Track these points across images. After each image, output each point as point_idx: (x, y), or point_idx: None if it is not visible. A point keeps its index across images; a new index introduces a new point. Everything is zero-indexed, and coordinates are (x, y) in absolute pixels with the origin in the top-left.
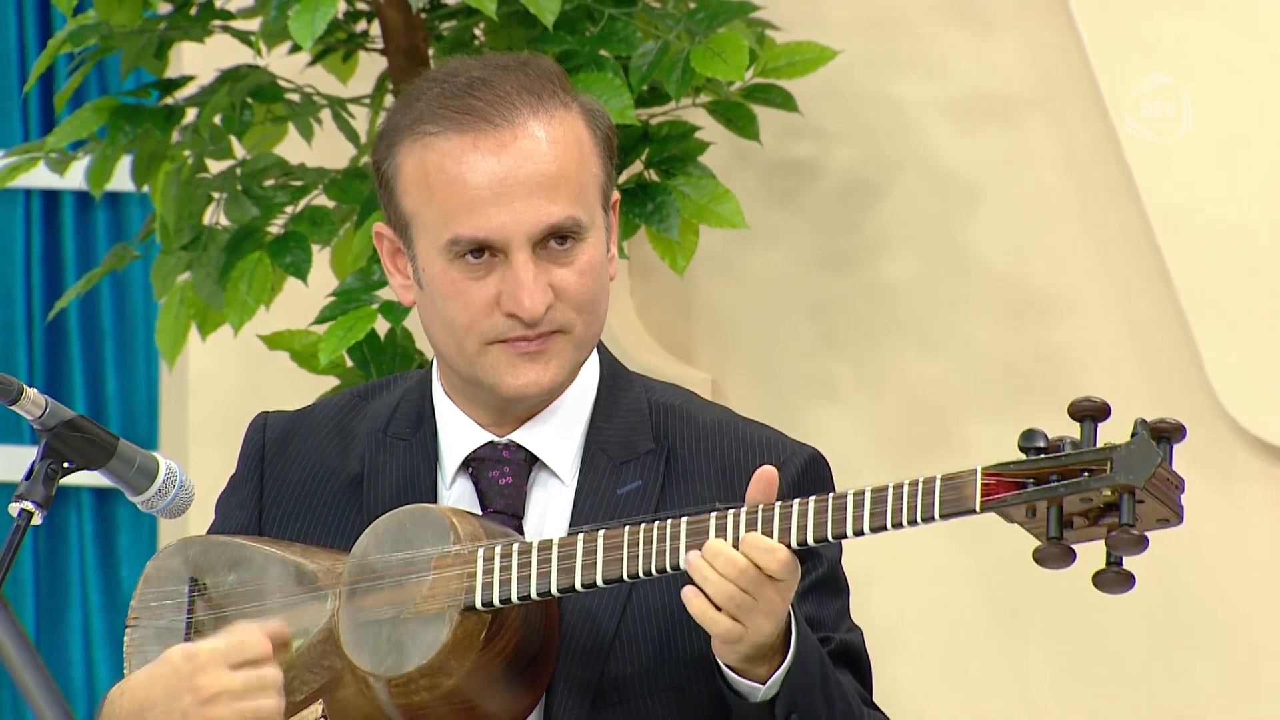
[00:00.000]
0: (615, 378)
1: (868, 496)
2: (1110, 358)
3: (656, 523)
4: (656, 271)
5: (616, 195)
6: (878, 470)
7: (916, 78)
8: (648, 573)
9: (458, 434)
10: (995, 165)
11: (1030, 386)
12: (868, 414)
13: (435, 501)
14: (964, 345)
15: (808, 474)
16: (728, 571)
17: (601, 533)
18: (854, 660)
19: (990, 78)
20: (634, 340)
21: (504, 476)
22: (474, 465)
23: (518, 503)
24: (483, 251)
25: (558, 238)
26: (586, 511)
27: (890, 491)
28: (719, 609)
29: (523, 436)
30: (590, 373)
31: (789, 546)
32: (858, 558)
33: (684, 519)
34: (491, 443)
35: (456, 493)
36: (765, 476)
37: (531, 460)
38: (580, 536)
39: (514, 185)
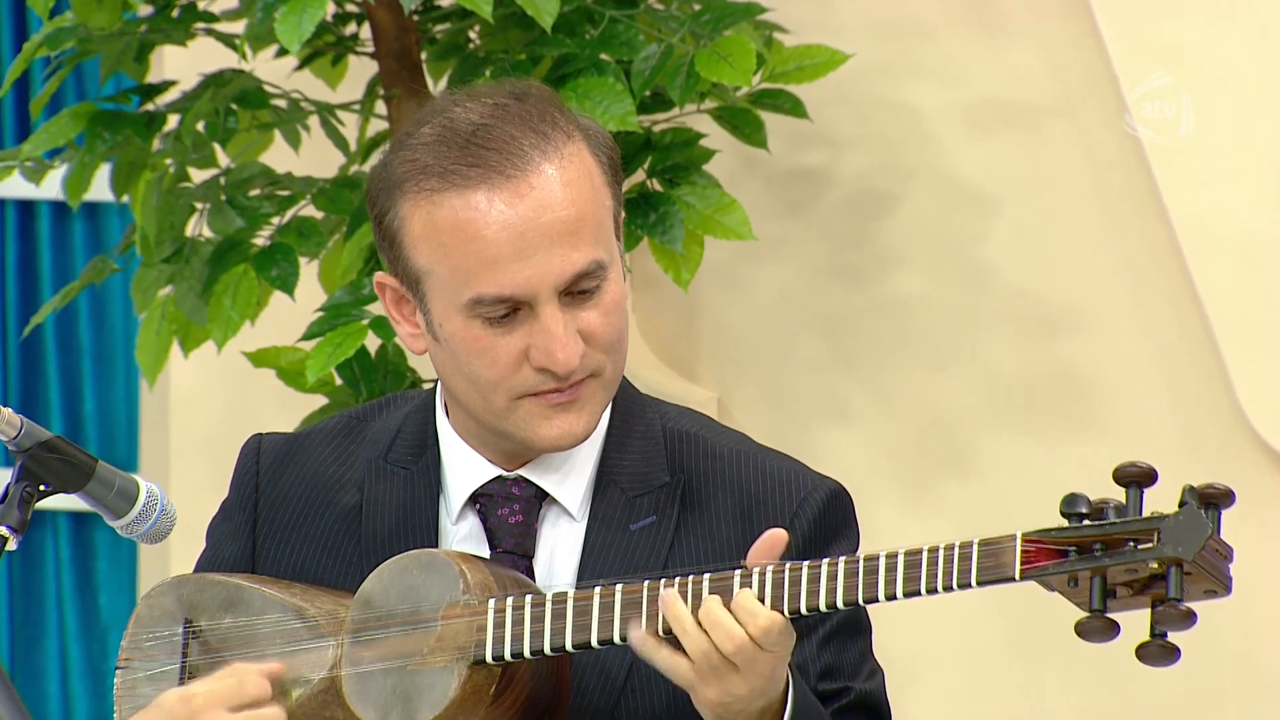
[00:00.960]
0: (629, 404)
1: (900, 560)
2: (1134, 376)
3: (678, 578)
4: (659, 285)
5: (621, 214)
6: (890, 493)
7: (931, 83)
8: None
9: (464, 468)
10: (1013, 175)
11: (1051, 406)
12: (880, 434)
13: (437, 535)
14: (981, 362)
15: (831, 511)
16: (724, 643)
17: (619, 587)
18: (873, 712)
19: (1008, 83)
20: (636, 357)
21: (514, 514)
22: (481, 501)
23: (528, 541)
24: (507, 307)
25: (582, 284)
26: (598, 549)
27: (925, 556)
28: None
29: (532, 471)
30: None
31: (817, 609)
32: None
33: (707, 575)
34: (500, 478)
35: (464, 530)
36: (771, 541)
37: (541, 496)
38: (597, 590)
39: (535, 237)
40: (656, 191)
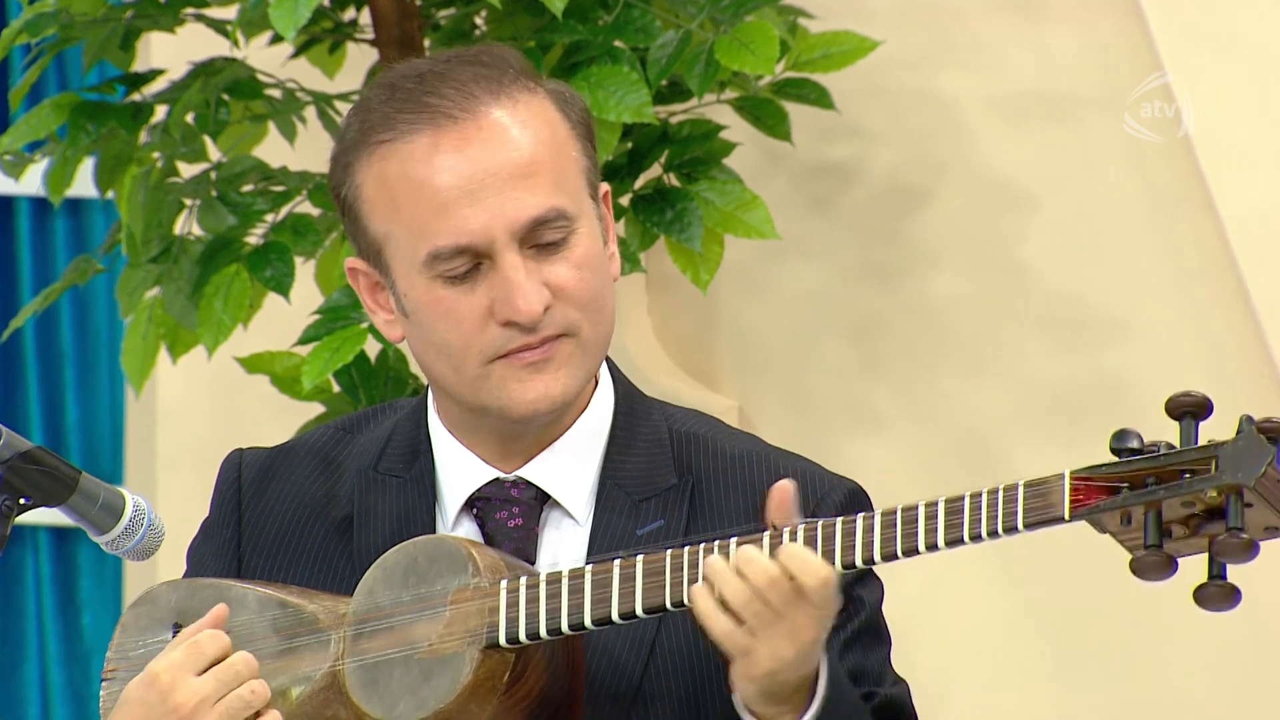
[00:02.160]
0: (632, 405)
1: (941, 507)
2: (1181, 382)
3: (703, 544)
4: (677, 286)
5: (606, 186)
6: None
7: (966, 72)
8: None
9: (459, 471)
10: (1053, 170)
11: (1092, 414)
12: (911, 444)
13: None
14: (1018, 368)
15: (849, 510)
16: (756, 578)
17: (640, 557)
18: (899, 718)
19: (1048, 73)
20: (651, 362)
21: (513, 518)
22: (479, 506)
23: (529, 546)
24: (466, 260)
25: (545, 234)
26: (603, 553)
27: (967, 501)
28: (730, 615)
29: (532, 472)
30: (604, 399)
31: (853, 564)
32: (898, 602)
33: (734, 538)
34: (497, 480)
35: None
36: (781, 492)
37: (542, 499)
38: (616, 562)
39: (486, 179)
40: (674, 187)
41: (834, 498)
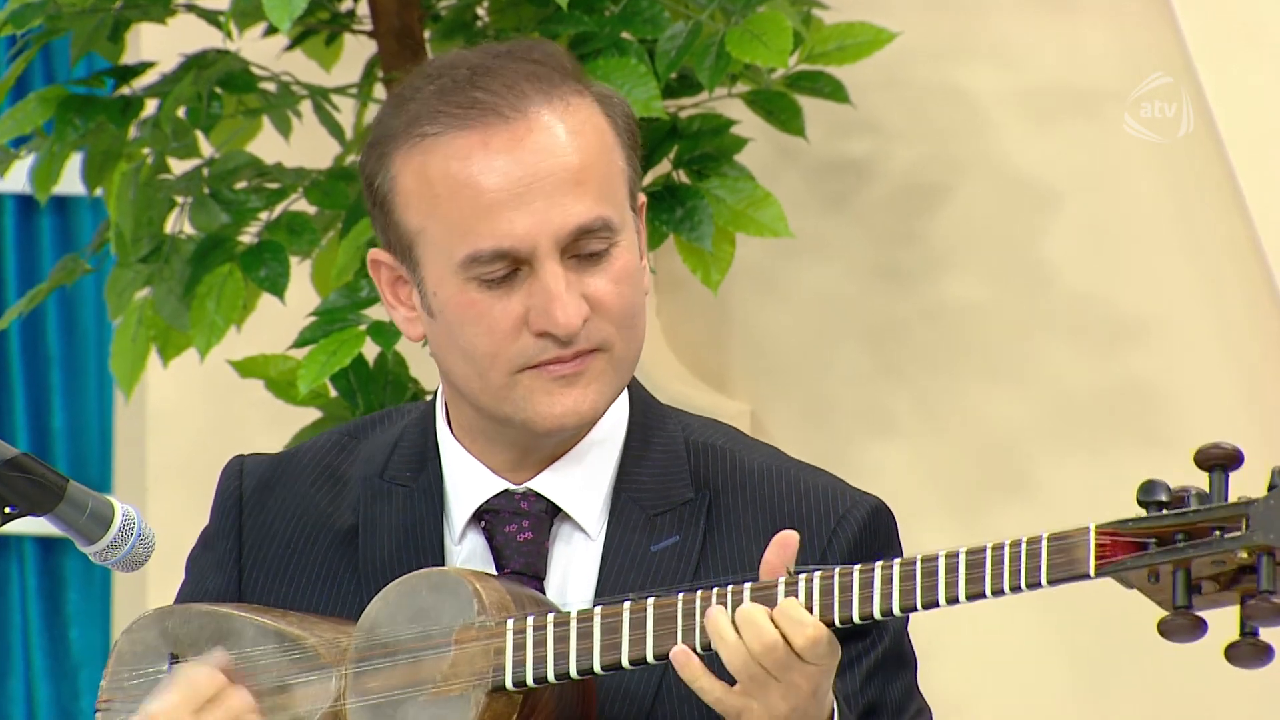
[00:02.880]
0: (647, 414)
1: (962, 560)
2: (1211, 390)
3: (716, 588)
4: (686, 287)
5: (643, 197)
6: (940, 518)
7: (988, 65)
8: (706, 647)
9: (467, 481)
10: (1079, 167)
11: (1119, 423)
12: (930, 453)
13: (442, 558)
14: (1042, 374)
15: (872, 529)
16: (753, 642)
17: (651, 600)
18: None
19: (1074, 66)
20: (660, 367)
21: (522, 531)
22: (487, 518)
23: (539, 561)
24: (505, 265)
25: (588, 245)
26: (616, 570)
27: (989, 554)
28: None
29: (543, 484)
30: (619, 408)
31: (870, 617)
32: (921, 622)
33: (748, 584)
34: (507, 492)
35: (467, 550)
36: (782, 544)
37: (553, 512)
38: (626, 605)
39: (534, 184)
40: (683, 184)
41: (856, 515)
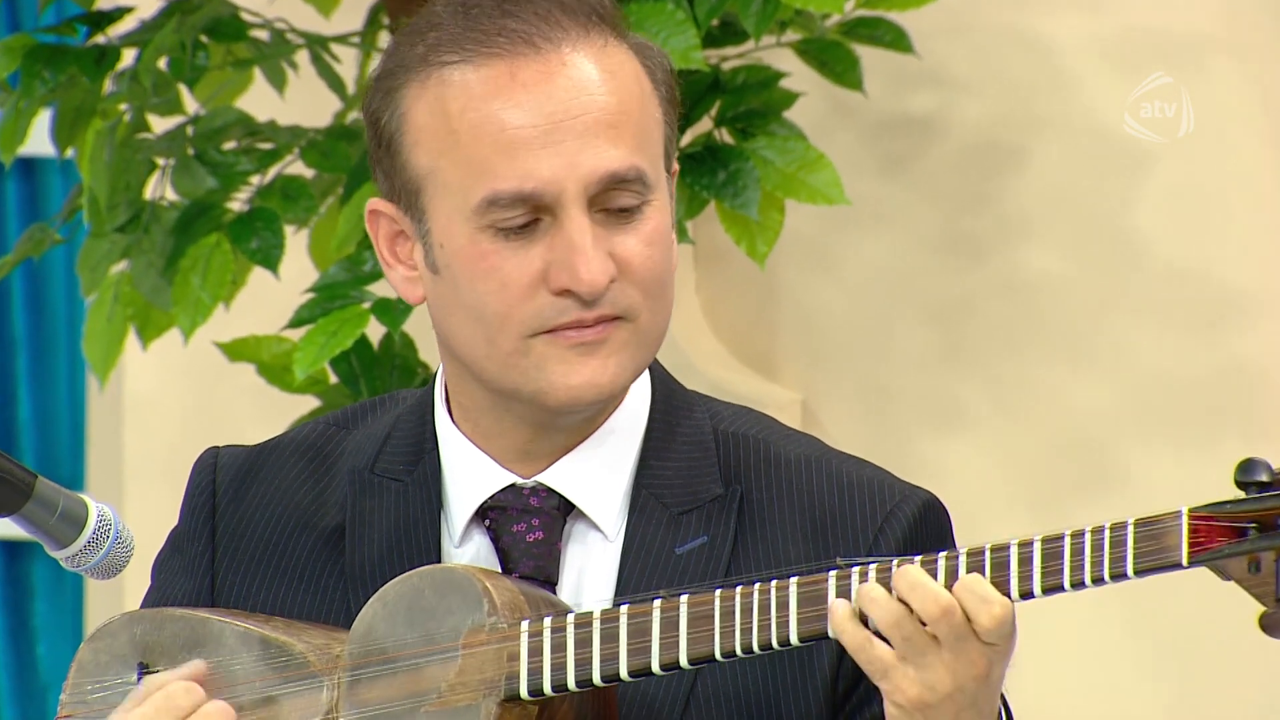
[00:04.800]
0: (672, 400)
1: (1037, 549)
2: None
3: (759, 584)
4: (729, 260)
5: (676, 164)
6: (1015, 519)
7: (1068, 9)
8: (748, 649)
9: (469, 475)
10: (1171, 125)
11: (1217, 410)
12: (1002, 445)
13: (439, 561)
14: (1131, 357)
15: (922, 526)
16: (926, 608)
17: (684, 598)
18: None
19: (1166, 12)
20: (700, 349)
21: (531, 531)
22: (492, 516)
23: (550, 565)
24: (525, 212)
25: (619, 198)
26: (637, 575)
27: (1067, 542)
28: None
29: (555, 477)
30: (639, 394)
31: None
32: None
33: (794, 579)
34: (514, 486)
35: (470, 553)
36: None
37: (566, 509)
38: (657, 604)
39: (565, 122)
40: (726, 144)
41: (906, 511)
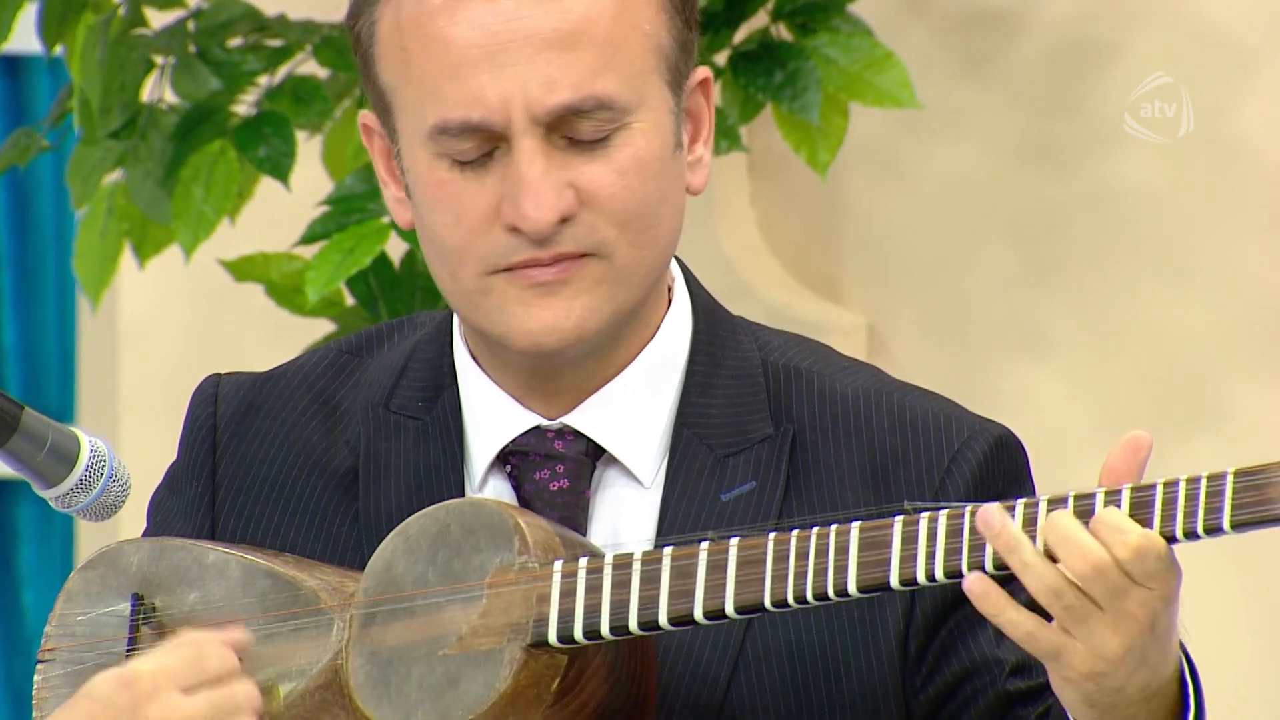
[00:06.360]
0: (715, 330)
1: (1125, 498)
2: None
3: (816, 528)
4: (789, 171)
5: (705, 71)
6: (1102, 456)
7: None
8: (801, 598)
9: (489, 414)
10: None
11: None
12: (1092, 374)
13: None
14: (1234, 277)
15: (994, 465)
16: (1077, 564)
17: (734, 540)
18: None
19: None
20: (755, 268)
21: (556, 479)
22: (513, 461)
23: (577, 516)
24: (478, 143)
25: (580, 127)
26: (679, 526)
27: (1159, 493)
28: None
29: (582, 419)
30: (678, 323)
31: (1003, 565)
32: None
33: (855, 523)
34: (538, 429)
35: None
36: (1133, 446)
37: (595, 454)
38: (704, 546)
39: (511, 42)
40: (784, 41)
41: (976, 448)
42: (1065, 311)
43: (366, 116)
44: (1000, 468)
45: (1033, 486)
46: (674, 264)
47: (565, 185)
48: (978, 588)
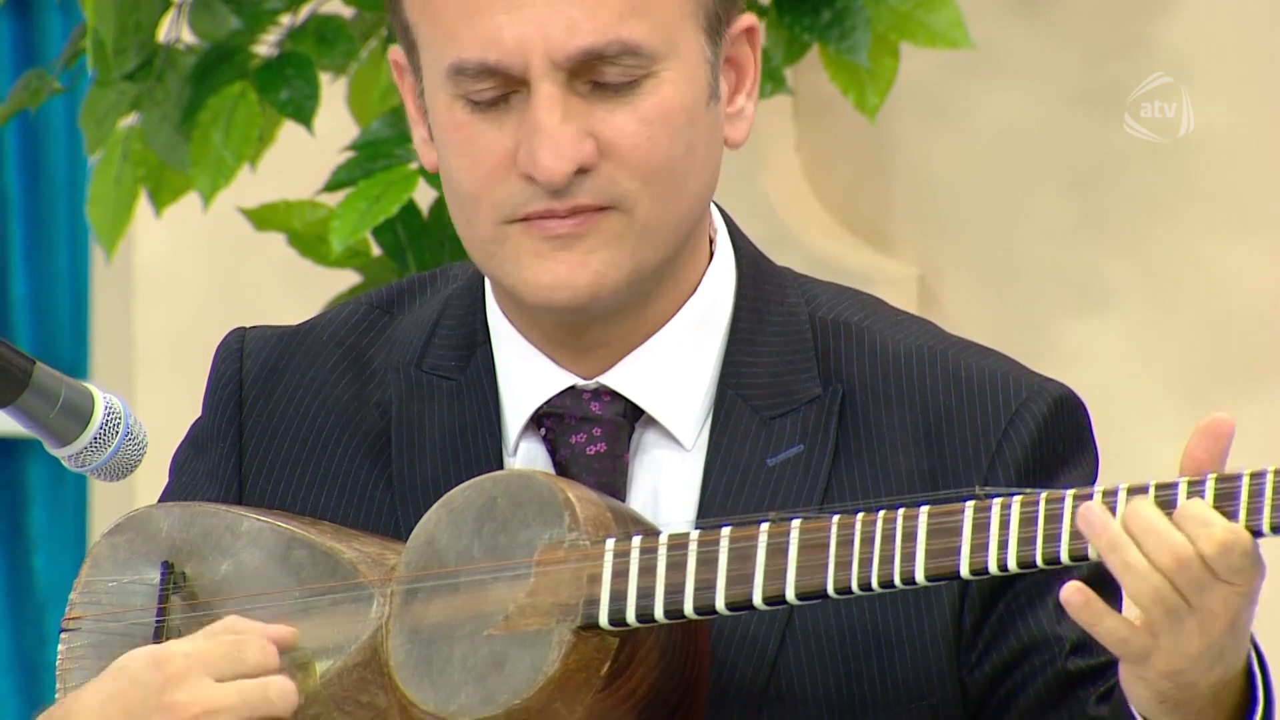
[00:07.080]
0: (760, 284)
1: (1209, 489)
2: None
3: (883, 511)
4: (836, 114)
5: (751, 19)
6: (1167, 415)
7: None
8: (865, 585)
9: (523, 374)
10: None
11: None
12: (1153, 329)
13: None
14: None
15: (1054, 427)
16: (1159, 557)
17: (796, 522)
18: None
19: None
20: (801, 216)
21: (593, 442)
22: (548, 424)
23: (616, 481)
24: (496, 85)
25: (604, 72)
26: (722, 492)
27: (1244, 483)
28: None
29: (619, 379)
30: (721, 276)
31: (1084, 557)
32: None
33: (924, 507)
34: (573, 389)
35: (521, 463)
36: (1213, 432)
37: (634, 415)
38: (764, 527)
39: None
40: None
41: (1034, 410)
42: (1123, 262)
43: (396, 53)
44: (1061, 430)
45: (1095, 449)
46: (716, 214)
47: (585, 134)
48: (1077, 599)
